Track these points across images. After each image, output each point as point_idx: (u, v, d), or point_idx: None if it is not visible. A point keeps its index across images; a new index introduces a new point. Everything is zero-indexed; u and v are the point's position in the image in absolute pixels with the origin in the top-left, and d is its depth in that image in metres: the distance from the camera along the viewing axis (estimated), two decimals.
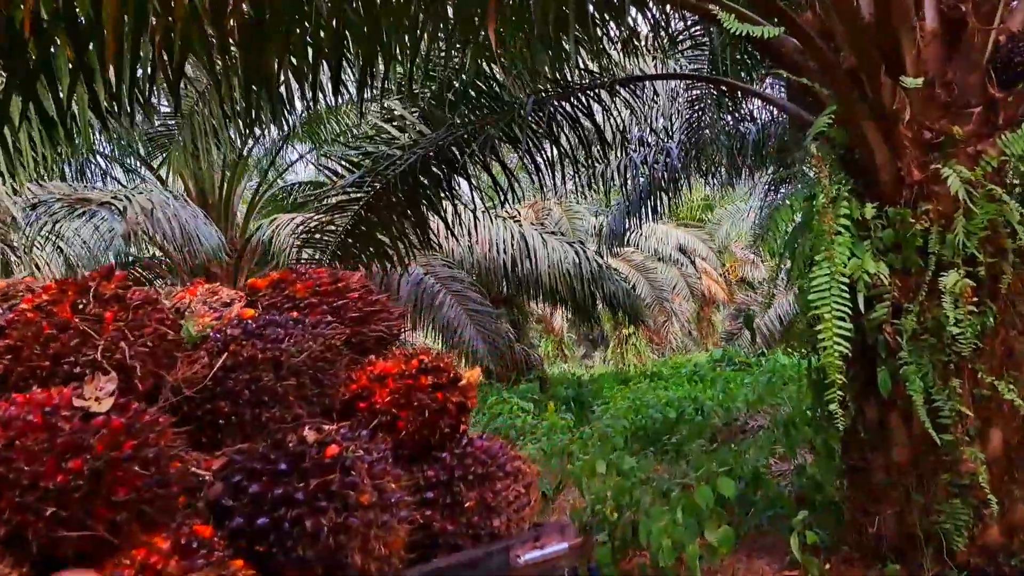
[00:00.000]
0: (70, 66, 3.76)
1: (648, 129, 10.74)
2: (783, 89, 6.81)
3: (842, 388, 3.88)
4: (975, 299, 3.59)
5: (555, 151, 6.54)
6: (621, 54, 6.78)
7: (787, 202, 4.09)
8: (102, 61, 3.77)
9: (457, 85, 6.30)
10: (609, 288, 11.11)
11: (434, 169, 6.86)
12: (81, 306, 1.49)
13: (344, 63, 4.87)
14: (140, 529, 1.35)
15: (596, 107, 6.92)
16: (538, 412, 9.80)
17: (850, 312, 3.64)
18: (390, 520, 1.56)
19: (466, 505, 1.77)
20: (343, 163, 7.21)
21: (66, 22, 3.66)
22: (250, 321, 1.71)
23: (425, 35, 4.31)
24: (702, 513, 4.07)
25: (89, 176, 10.59)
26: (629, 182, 10.57)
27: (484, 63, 5.97)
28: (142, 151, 10.49)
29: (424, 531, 1.76)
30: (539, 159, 6.58)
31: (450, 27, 4.31)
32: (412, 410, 1.81)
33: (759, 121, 9.79)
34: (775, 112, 8.85)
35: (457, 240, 8.79)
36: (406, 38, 4.44)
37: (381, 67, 4.75)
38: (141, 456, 1.32)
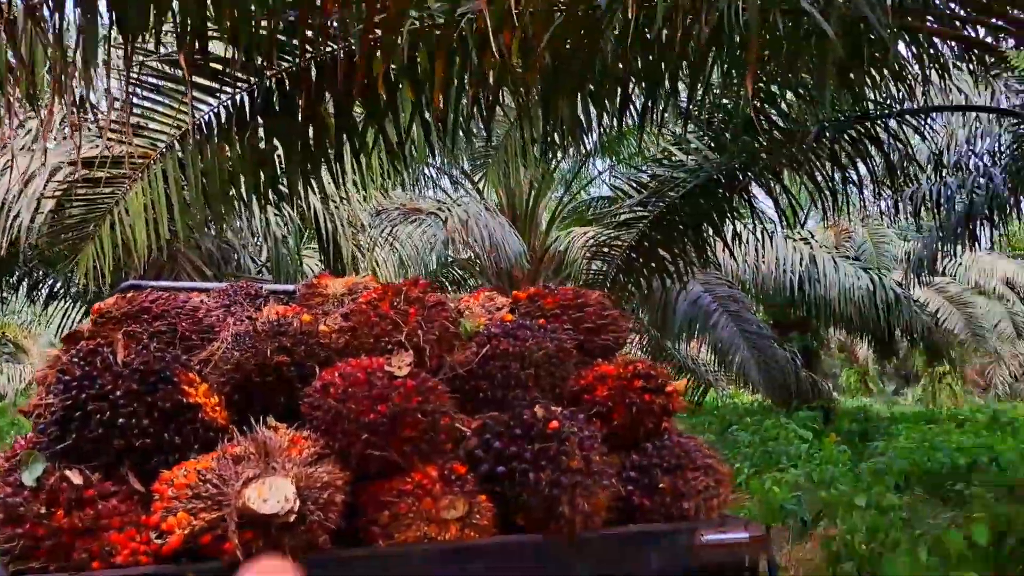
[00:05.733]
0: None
1: (966, 151, 9.98)
2: None
3: None
4: None
5: (838, 176, 6.55)
6: (927, 76, 6.58)
7: None
8: (432, 102, 4.68)
9: (744, 112, 6.53)
10: (907, 319, 10.46)
11: (717, 191, 7.15)
12: (395, 304, 2.17)
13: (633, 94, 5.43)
14: (419, 459, 1.97)
15: (905, 131, 6.80)
16: (817, 442, 9.58)
17: None
18: (593, 485, 2.04)
19: (660, 487, 2.19)
20: (631, 183, 7.78)
21: (409, 74, 4.63)
22: (508, 323, 2.29)
23: (701, 75, 4.72)
24: (950, 557, 4.00)
25: (422, 185, 12.32)
26: (943, 207, 9.88)
27: (769, 91, 6.19)
28: (466, 167, 11.94)
29: (626, 503, 2.21)
30: (821, 183, 6.61)
31: (723, 68, 4.67)
32: (624, 406, 2.27)
33: None
34: None
35: (736, 260, 8.94)
36: (682, 75, 4.88)
37: (666, 99, 5.23)
38: (423, 408, 1.94)
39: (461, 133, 5.32)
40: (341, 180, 5.14)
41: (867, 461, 8.16)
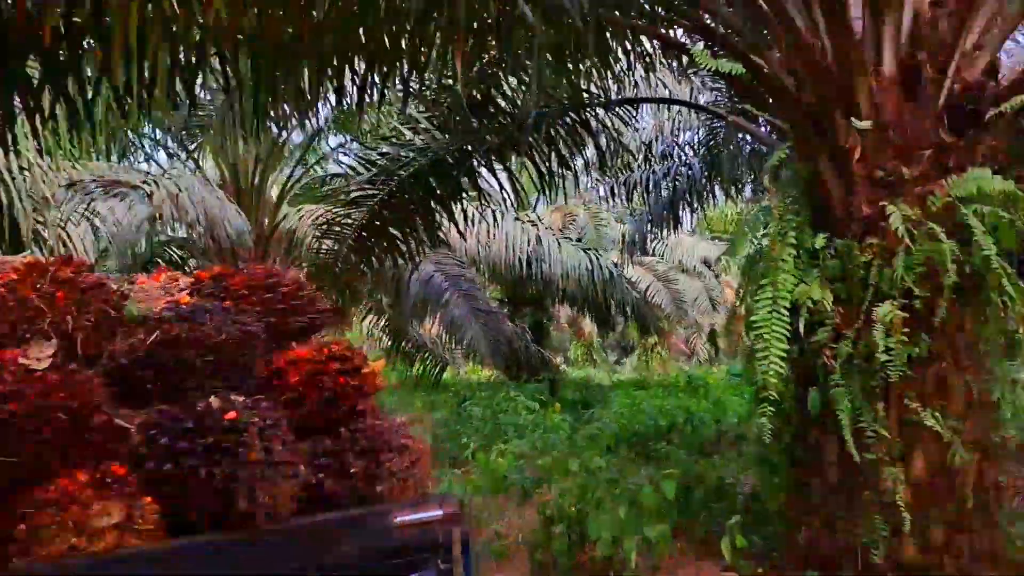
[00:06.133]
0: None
1: (671, 142, 11.02)
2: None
3: (785, 407, 4.17)
4: (907, 330, 3.82)
5: (556, 160, 6.88)
6: (634, 71, 7.12)
7: (745, 229, 4.35)
8: (124, 61, 4.19)
9: (473, 95, 6.60)
10: (620, 296, 11.37)
11: (445, 171, 7.21)
12: (39, 286, 1.87)
13: (362, 70, 5.25)
14: (64, 464, 1.72)
15: (617, 120, 7.28)
16: (543, 412, 10.11)
17: (788, 335, 3.92)
18: (275, 476, 1.91)
19: (353, 472, 2.11)
20: (361, 160, 7.63)
21: (95, 27, 4.10)
22: (183, 306, 2.07)
23: (421, 52, 4.68)
24: (644, 511, 4.37)
25: (131, 157, 11.17)
26: (652, 193, 10.80)
27: (494, 77, 6.34)
28: (184, 137, 10.99)
29: (316, 491, 2.10)
30: (542, 167, 6.91)
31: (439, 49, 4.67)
32: (317, 390, 2.16)
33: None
34: None
35: (465, 239, 9.15)
36: (403, 55, 4.81)
37: (384, 77, 5.12)
38: (67, 405, 1.69)
39: (167, 99, 4.84)
40: (13, 146, 4.46)
41: (584, 427, 8.76)
